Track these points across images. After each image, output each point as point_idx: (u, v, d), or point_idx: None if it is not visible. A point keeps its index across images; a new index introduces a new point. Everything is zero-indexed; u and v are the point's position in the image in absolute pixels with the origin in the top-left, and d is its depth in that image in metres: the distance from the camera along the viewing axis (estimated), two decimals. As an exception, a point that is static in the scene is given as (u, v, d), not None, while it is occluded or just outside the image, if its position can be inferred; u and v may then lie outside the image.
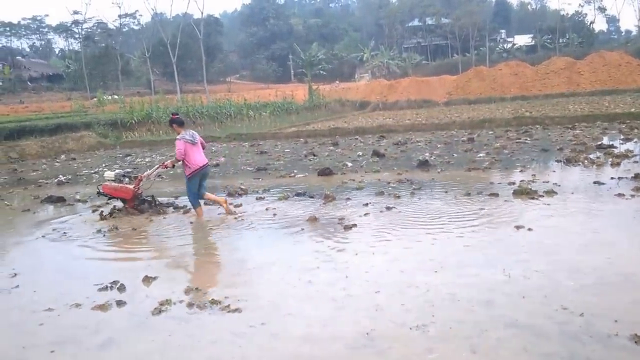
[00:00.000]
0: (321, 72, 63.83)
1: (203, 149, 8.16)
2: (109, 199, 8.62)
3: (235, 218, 7.84)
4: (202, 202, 8.20)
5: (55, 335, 4.20)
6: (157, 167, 8.58)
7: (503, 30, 79.31)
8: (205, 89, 47.70)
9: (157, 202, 8.67)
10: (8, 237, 7.84)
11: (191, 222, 7.70)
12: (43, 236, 7.60)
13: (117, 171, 9.22)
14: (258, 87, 64.47)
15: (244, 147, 19.38)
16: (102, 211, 8.58)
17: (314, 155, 14.64)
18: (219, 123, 28.39)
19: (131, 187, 8.42)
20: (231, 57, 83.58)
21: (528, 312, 3.98)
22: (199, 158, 7.87)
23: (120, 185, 8.58)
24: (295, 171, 12.06)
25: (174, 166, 8.34)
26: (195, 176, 7.87)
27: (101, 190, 8.64)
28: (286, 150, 16.80)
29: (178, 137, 7.81)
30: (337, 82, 59.95)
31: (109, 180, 8.76)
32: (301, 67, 61.09)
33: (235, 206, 8.55)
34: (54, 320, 4.50)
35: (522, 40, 73.27)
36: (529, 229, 6.06)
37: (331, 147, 16.53)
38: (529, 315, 3.91)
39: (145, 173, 8.64)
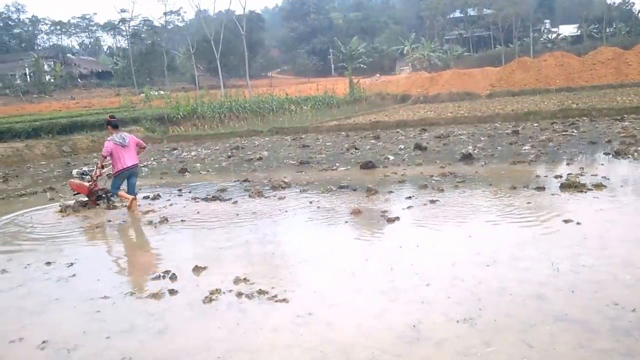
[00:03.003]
0: (362, 65, 63.44)
1: (142, 148, 9.07)
2: (75, 194, 9.50)
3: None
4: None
5: (113, 322, 4.38)
6: (96, 169, 9.17)
7: (547, 20, 76.85)
8: (248, 83, 48.24)
9: (108, 197, 9.33)
10: (65, 227, 8.21)
11: (237, 215, 7.87)
12: (97, 227, 7.95)
13: (78, 169, 9.87)
14: (299, 81, 64.73)
15: (286, 140, 19.57)
16: (61, 205, 9.26)
17: (356, 149, 14.66)
18: (262, 117, 28.72)
19: (87, 184, 9.12)
20: (273, 52, 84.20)
21: (578, 307, 3.93)
22: (126, 159, 8.57)
23: (80, 182, 9.33)
24: (337, 164, 12.13)
25: (103, 167, 8.99)
26: (120, 176, 8.62)
27: (69, 186, 9.69)
28: (328, 144, 16.87)
29: (108, 138, 8.61)
30: (378, 75, 59.59)
31: (75, 177, 9.54)
32: (342, 61, 60.93)
33: (279, 199, 8.70)
34: (110, 308, 4.70)
35: (567, 30, 70.89)
36: (578, 223, 5.94)
37: (373, 141, 16.51)
38: (579, 310, 3.86)
39: (93, 173, 9.24)
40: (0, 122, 22.46)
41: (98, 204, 9.29)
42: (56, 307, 4.86)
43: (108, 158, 8.66)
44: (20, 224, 8.48)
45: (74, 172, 9.75)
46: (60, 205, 9.25)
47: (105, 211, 8.98)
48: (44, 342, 4.07)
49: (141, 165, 12.07)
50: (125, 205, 8.88)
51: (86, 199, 9.27)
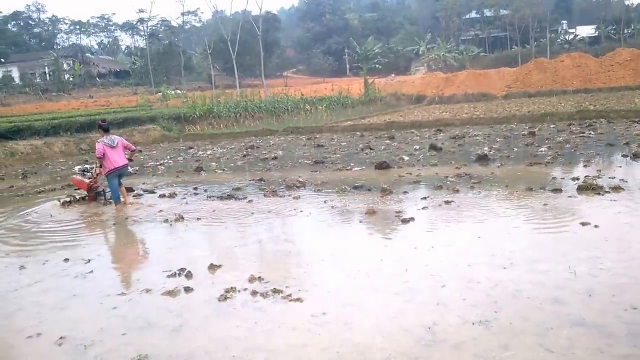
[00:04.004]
0: (377, 66, 63.23)
1: (132, 150, 9.70)
2: (76, 189, 10.13)
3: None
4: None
5: (129, 319, 4.43)
6: (95, 168, 9.68)
7: (565, 22, 76.00)
8: (264, 83, 48.34)
9: (106, 194, 9.90)
10: (82, 224, 8.32)
11: (252, 214, 7.91)
12: (114, 224, 8.04)
13: (80, 166, 10.42)
14: (314, 81, 64.76)
15: (301, 140, 19.60)
16: (59, 199, 9.81)
17: (371, 149, 14.64)
18: (277, 117, 28.86)
19: (87, 181, 9.76)
20: (288, 52, 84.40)
21: (596, 311, 3.88)
22: (115, 160, 9.08)
23: (81, 179, 9.86)
24: (352, 165, 12.12)
25: (101, 166, 9.32)
26: (112, 175, 9.11)
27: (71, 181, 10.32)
28: (343, 144, 16.87)
29: (99, 141, 9.18)
30: (393, 75, 59.37)
31: (77, 174, 10.05)
32: (357, 62, 60.75)
33: (294, 198, 8.72)
34: (127, 305, 4.75)
35: (585, 31, 70.01)
36: (596, 226, 5.87)
37: (387, 141, 16.47)
38: (597, 315, 3.82)
39: (93, 172, 9.78)
40: (20, 120, 22.78)
41: (98, 199, 9.85)
42: (74, 304, 4.92)
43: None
44: (38, 221, 8.61)
45: (77, 168, 10.29)
46: (59, 200, 9.75)
47: (122, 209, 9.09)
48: (61, 338, 4.13)
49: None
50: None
51: (86, 194, 9.81)
